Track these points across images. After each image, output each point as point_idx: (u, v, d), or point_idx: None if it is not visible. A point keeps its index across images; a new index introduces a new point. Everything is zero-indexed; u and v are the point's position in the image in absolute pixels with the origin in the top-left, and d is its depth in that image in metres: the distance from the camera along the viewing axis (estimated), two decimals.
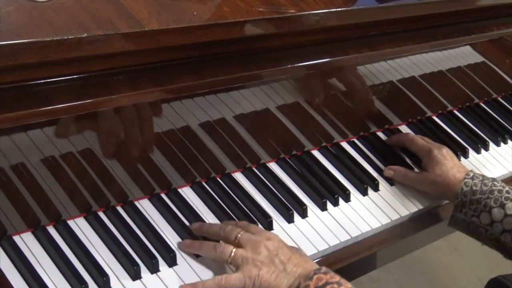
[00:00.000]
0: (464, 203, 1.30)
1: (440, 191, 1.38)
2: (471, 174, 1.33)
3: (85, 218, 1.14)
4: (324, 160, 1.42)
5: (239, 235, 1.11)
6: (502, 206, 1.27)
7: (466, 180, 1.32)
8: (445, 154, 1.40)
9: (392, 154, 1.50)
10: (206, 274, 1.12)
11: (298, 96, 1.33)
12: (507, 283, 1.29)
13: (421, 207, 1.39)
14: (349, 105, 1.44)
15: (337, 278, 1.03)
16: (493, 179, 1.32)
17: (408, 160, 1.49)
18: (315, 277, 1.02)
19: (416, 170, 1.46)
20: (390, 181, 1.43)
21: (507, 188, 1.29)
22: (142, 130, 1.12)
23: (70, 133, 1.03)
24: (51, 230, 1.10)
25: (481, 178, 1.32)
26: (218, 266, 1.13)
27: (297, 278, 1.04)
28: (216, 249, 1.10)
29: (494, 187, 1.29)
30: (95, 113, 1.03)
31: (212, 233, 1.15)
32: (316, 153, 1.43)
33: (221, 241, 1.12)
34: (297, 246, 1.19)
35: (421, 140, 1.47)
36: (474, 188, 1.30)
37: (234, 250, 1.08)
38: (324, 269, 1.05)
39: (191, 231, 1.17)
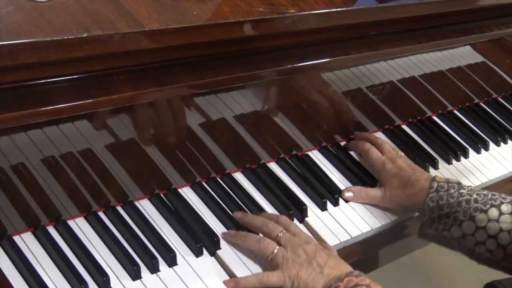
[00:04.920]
0: (433, 219, 1.23)
1: (404, 204, 1.31)
2: (435, 186, 1.25)
3: (85, 218, 1.14)
4: (324, 160, 1.42)
5: (280, 234, 1.15)
6: (472, 218, 1.20)
7: (431, 195, 1.24)
8: (400, 165, 1.33)
9: None
10: (206, 274, 1.12)
11: (297, 96, 1.33)
12: None
13: None
14: (349, 105, 1.44)
15: (367, 281, 1.07)
16: (459, 185, 1.24)
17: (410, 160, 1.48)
18: (346, 279, 1.07)
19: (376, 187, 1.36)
20: None
21: (474, 196, 1.22)
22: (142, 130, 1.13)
23: (68, 133, 1.03)
24: (51, 230, 1.10)
25: (446, 188, 1.24)
26: (218, 267, 1.14)
27: (331, 279, 1.08)
28: (260, 243, 1.15)
29: (461, 198, 1.22)
30: (95, 112, 1.03)
31: (254, 226, 1.19)
32: (316, 153, 1.43)
33: (264, 237, 1.16)
34: (330, 248, 1.20)
35: (376, 153, 1.38)
36: (440, 202, 1.23)
37: (277, 248, 1.13)
38: (356, 272, 1.09)
39: (194, 231, 1.17)
